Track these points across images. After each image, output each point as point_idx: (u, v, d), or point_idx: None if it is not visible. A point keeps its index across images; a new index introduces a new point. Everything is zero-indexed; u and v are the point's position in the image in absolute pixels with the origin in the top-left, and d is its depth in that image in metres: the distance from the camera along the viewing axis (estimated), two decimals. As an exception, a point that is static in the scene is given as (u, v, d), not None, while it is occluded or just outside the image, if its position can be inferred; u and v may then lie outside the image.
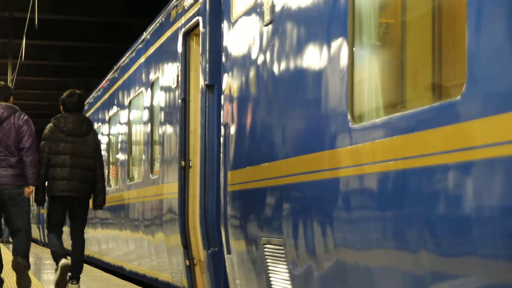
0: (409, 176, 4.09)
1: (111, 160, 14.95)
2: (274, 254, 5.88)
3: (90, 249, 16.38)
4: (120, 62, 13.59)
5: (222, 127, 7.12)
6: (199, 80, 8.18)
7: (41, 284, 10.13)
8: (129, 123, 12.79)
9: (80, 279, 8.85)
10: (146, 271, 10.87)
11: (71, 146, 8.68)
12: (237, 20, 6.83)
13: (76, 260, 8.81)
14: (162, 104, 9.80)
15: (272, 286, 6.00)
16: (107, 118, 15.07)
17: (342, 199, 4.82)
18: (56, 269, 8.53)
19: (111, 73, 14.64)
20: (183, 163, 8.52)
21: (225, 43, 7.16)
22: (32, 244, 23.97)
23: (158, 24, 10.44)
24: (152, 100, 10.71)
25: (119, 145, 13.73)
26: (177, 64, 9.00)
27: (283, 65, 5.76)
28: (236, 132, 6.76)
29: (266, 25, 6.09)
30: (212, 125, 7.70)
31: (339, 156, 4.85)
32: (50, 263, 15.44)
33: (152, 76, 10.63)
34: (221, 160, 7.15)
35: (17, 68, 24.37)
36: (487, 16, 3.56)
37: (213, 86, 7.70)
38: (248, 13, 6.53)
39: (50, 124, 8.86)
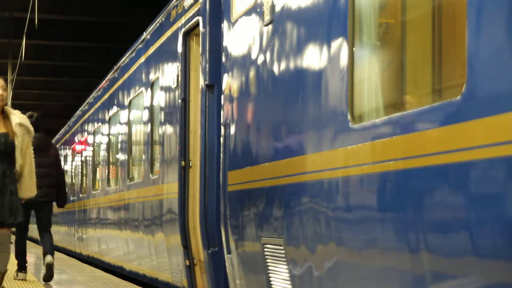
0: (409, 176, 4.09)
1: (111, 160, 14.94)
2: (274, 254, 5.88)
3: (90, 249, 16.38)
4: (120, 62, 13.58)
5: (222, 127, 7.12)
6: (199, 80, 8.17)
7: (41, 284, 10.14)
8: (129, 123, 12.78)
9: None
10: (146, 271, 10.86)
11: (37, 160, 9.94)
12: (237, 20, 6.83)
13: (50, 249, 10.50)
14: (162, 104, 9.80)
15: (272, 286, 6.00)
16: (107, 118, 15.06)
17: (341, 199, 4.82)
18: (16, 270, 10.53)
19: (111, 73, 14.63)
20: (183, 163, 8.51)
21: (225, 43, 7.16)
22: (33, 244, 23.93)
23: (158, 24, 10.44)
24: (152, 100, 10.70)
25: (119, 145, 13.71)
26: (177, 64, 8.99)
27: (283, 65, 5.76)
28: (236, 132, 6.75)
29: (266, 25, 6.08)
30: (212, 125, 7.69)
31: (339, 156, 4.85)
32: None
33: (152, 76, 10.63)
34: (221, 160, 7.15)
35: (17, 68, 24.37)
36: (487, 16, 3.56)
37: (213, 86, 7.69)
38: (248, 13, 6.53)
39: None
